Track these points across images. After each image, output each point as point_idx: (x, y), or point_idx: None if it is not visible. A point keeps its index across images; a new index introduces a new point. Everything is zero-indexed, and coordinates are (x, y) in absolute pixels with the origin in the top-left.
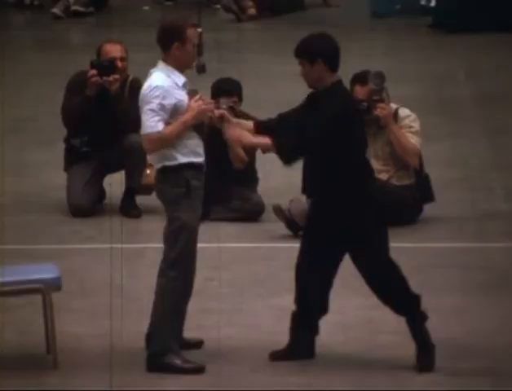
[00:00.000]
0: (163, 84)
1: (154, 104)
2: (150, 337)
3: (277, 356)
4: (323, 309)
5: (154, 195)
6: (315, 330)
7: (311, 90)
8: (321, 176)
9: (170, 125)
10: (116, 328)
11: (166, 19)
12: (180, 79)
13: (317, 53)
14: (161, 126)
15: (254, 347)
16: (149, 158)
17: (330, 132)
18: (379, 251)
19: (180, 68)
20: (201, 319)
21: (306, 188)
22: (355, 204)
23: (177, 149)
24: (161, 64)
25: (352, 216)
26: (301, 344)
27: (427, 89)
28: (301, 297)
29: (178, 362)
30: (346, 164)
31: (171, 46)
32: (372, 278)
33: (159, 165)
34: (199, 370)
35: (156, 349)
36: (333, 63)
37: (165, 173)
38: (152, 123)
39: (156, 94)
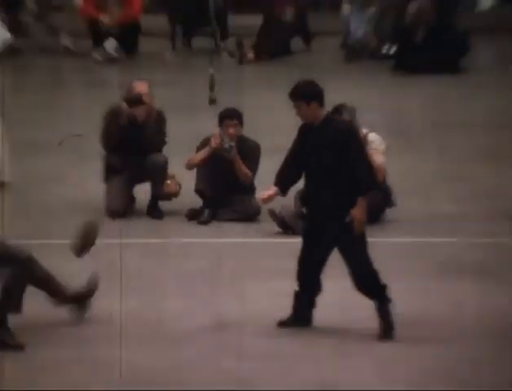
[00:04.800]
0: None
1: None
2: None
3: (284, 323)
4: (318, 288)
5: (173, 200)
6: (313, 304)
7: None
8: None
9: None
10: None
11: None
12: None
13: (313, 95)
14: None
15: (255, 320)
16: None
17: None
18: (363, 250)
19: None
20: (212, 299)
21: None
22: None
23: None
24: None
25: (344, 222)
26: (302, 315)
27: (389, 116)
28: (303, 281)
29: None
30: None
31: None
32: (355, 273)
33: None
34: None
35: None
36: (322, 101)
37: None
38: None
39: None
